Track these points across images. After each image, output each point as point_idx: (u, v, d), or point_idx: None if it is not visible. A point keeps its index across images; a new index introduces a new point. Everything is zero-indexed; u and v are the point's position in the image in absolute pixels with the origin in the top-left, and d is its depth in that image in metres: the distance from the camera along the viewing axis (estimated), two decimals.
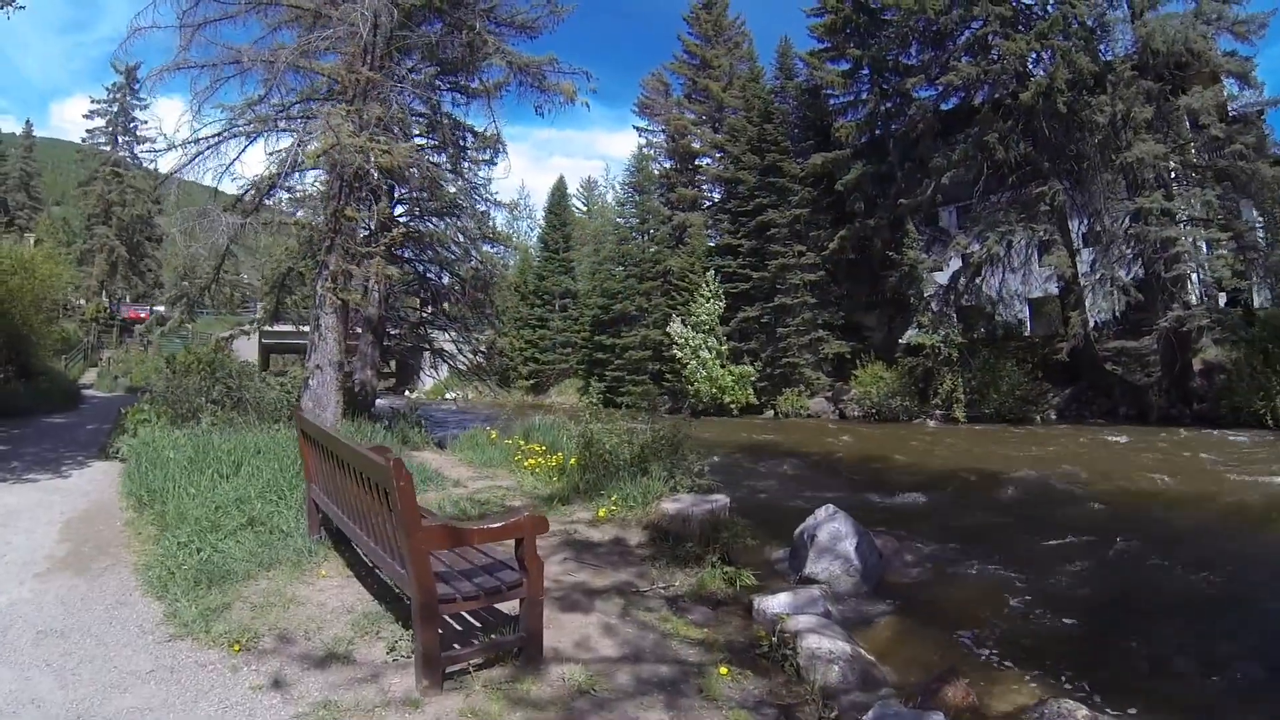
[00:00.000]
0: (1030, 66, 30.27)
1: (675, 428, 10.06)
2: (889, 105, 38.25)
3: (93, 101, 55.39)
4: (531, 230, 75.93)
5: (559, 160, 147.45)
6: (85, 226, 52.09)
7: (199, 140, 10.86)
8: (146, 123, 53.51)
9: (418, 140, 20.09)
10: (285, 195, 13.35)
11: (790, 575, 7.95)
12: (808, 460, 19.22)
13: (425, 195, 18.20)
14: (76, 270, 47.04)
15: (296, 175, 12.71)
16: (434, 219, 22.31)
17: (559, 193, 62.92)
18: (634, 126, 61.13)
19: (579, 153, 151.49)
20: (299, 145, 10.47)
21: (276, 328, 50.01)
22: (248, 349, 50.17)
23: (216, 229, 11.10)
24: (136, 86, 52.33)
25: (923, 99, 35.20)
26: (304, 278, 21.33)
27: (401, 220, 21.41)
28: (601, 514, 8.32)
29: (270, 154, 12.25)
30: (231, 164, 11.82)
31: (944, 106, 34.97)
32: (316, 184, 13.69)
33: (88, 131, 54.35)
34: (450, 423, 32.12)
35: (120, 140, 53.42)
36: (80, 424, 18.90)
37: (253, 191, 12.39)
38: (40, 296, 26.47)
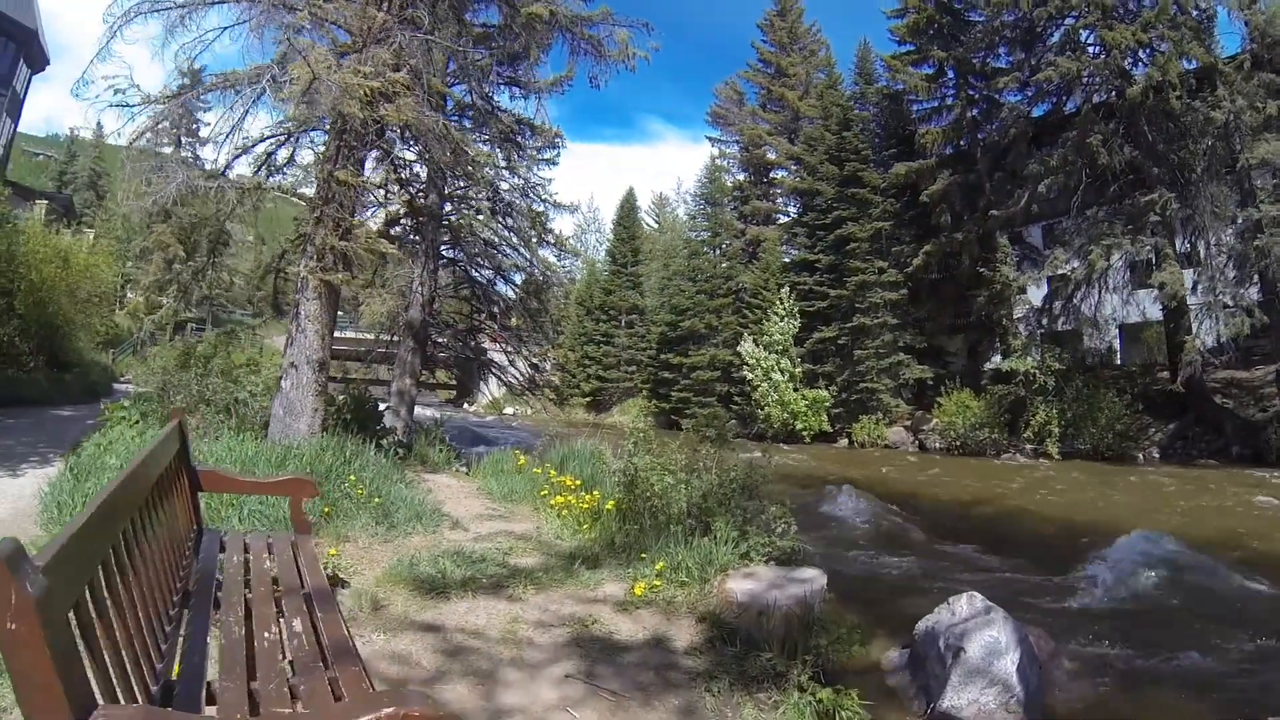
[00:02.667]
0: (1129, 66, 27.44)
1: (752, 467, 7.49)
2: (976, 112, 35.56)
3: (202, 134, 55.01)
4: (600, 244, 74.26)
5: (631, 179, 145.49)
6: (145, 225, 51.83)
7: (158, 99, 8.66)
8: (210, 124, 53.08)
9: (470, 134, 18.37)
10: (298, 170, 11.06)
11: (912, 700, 5.37)
12: (898, 502, 16.33)
13: (457, 179, 16.22)
14: (133, 266, 46.38)
15: (305, 140, 10.42)
16: (484, 216, 20.47)
17: (628, 205, 60.59)
18: (706, 137, 59.01)
19: (650, 169, 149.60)
20: (266, 84, 8.21)
21: (344, 334, 49.16)
22: None
23: (172, 181, 8.90)
24: (198, 88, 51.74)
25: (1012, 103, 32.70)
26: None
27: (450, 218, 19.50)
28: (639, 590, 5.86)
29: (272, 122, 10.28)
30: (229, 133, 9.68)
31: (1035, 113, 32.30)
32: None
33: (151, 133, 53.72)
34: (501, 440, 30.08)
35: (183, 142, 53.05)
36: (85, 418, 17.24)
37: (245, 158, 10.19)
38: (75, 286, 25.33)
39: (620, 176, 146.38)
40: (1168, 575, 9.38)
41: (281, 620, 3.46)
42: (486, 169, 18.06)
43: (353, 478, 8.04)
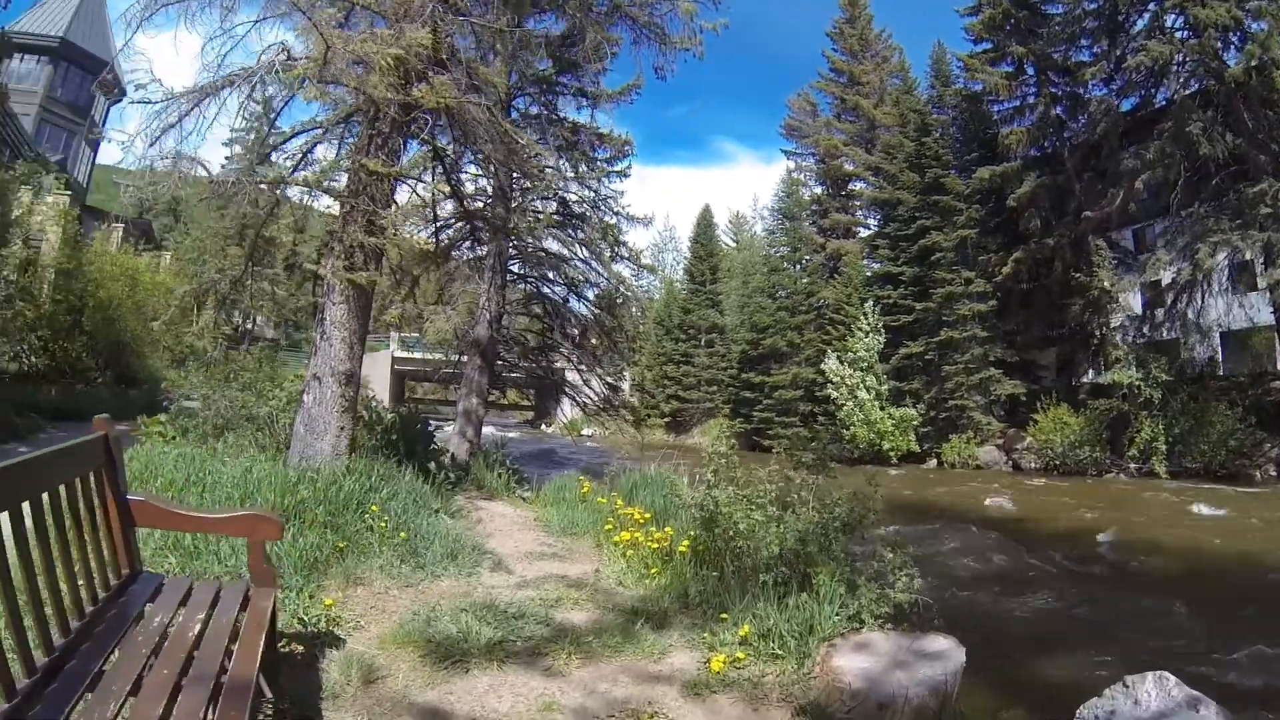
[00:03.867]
0: (1222, 49, 25.82)
1: (857, 498, 6.00)
2: (1060, 109, 34.47)
3: (231, 131, 55.66)
4: (677, 263, 73.17)
5: (705, 200, 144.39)
6: (220, 248, 52.45)
7: (181, 95, 7.58)
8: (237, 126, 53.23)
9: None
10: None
11: None
12: (1009, 531, 14.55)
13: (521, 188, 15.20)
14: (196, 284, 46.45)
15: (348, 138, 9.31)
16: (553, 229, 19.54)
17: (705, 222, 59.16)
18: (781, 150, 57.98)
19: (724, 190, 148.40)
20: (278, 62, 7.07)
21: (413, 354, 48.74)
22: (377, 375, 48.59)
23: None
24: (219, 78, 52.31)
25: (1101, 96, 31.14)
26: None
27: (518, 230, 18.55)
28: (716, 665, 4.45)
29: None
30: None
31: (1124, 107, 30.74)
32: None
33: (225, 159, 54.79)
34: (572, 462, 29.01)
35: (257, 169, 53.57)
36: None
37: (277, 157, 9.16)
38: (143, 304, 25.70)
39: (694, 198, 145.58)
40: None
41: None
42: (548, 168, 17.12)
43: (375, 508, 6.80)
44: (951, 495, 22.35)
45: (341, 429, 7.83)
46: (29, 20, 34.17)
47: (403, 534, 6.58)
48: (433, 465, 10.07)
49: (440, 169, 10.24)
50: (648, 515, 7.84)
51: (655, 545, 6.75)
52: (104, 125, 37.58)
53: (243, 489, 6.68)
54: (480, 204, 16.33)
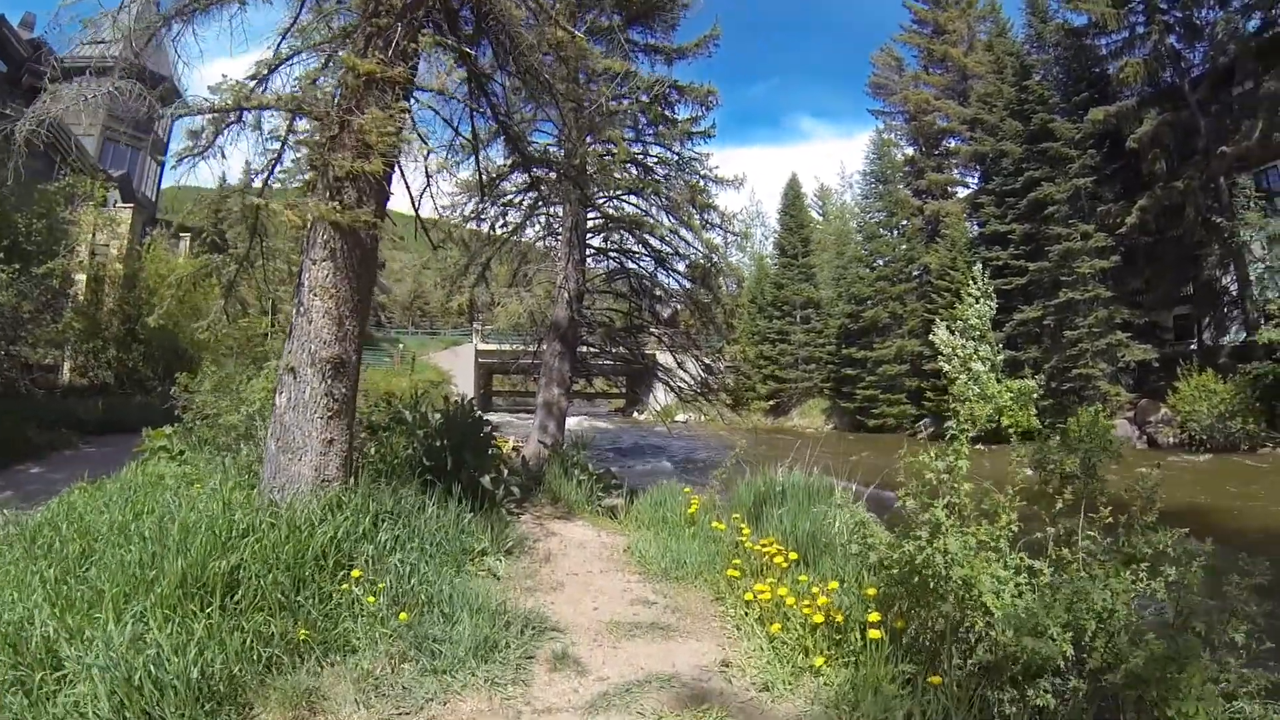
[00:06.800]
0: None
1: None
2: (1174, 38, 31.05)
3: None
4: (765, 239, 69.89)
5: (786, 177, 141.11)
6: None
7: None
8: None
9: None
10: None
11: None
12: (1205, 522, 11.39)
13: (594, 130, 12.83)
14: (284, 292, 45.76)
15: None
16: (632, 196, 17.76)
17: (792, 192, 56.18)
18: (869, 110, 53.94)
19: (804, 168, 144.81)
20: None
21: (501, 345, 46.49)
22: (461, 369, 46.77)
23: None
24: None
25: (1227, 15, 28.07)
26: None
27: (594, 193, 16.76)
28: None
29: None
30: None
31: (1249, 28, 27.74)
32: None
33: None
34: (670, 453, 26.69)
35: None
36: None
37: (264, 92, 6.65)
38: (200, 310, 24.74)
39: (775, 177, 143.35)
40: None
41: None
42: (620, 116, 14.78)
43: (357, 572, 4.31)
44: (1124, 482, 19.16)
45: (329, 443, 5.30)
46: (88, 37, 34.01)
47: (403, 614, 4.08)
48: (487, 479, 7.60)
49: (479, 93, 7.78)
50: (793, 555, 5.15)
51: (815, 612, 4.08)
52: (168, 140, 37.27)
53: (159, 543, 4.26)
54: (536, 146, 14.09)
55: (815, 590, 4.45)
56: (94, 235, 24.23)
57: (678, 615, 5.10)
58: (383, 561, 4.64)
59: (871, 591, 4.01)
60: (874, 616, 3.77)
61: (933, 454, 3.77)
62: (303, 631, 3.82)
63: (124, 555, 4.26)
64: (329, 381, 5.34)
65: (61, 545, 4.89)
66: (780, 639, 4.23)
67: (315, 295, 5.36)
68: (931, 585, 3.46)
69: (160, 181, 39.93)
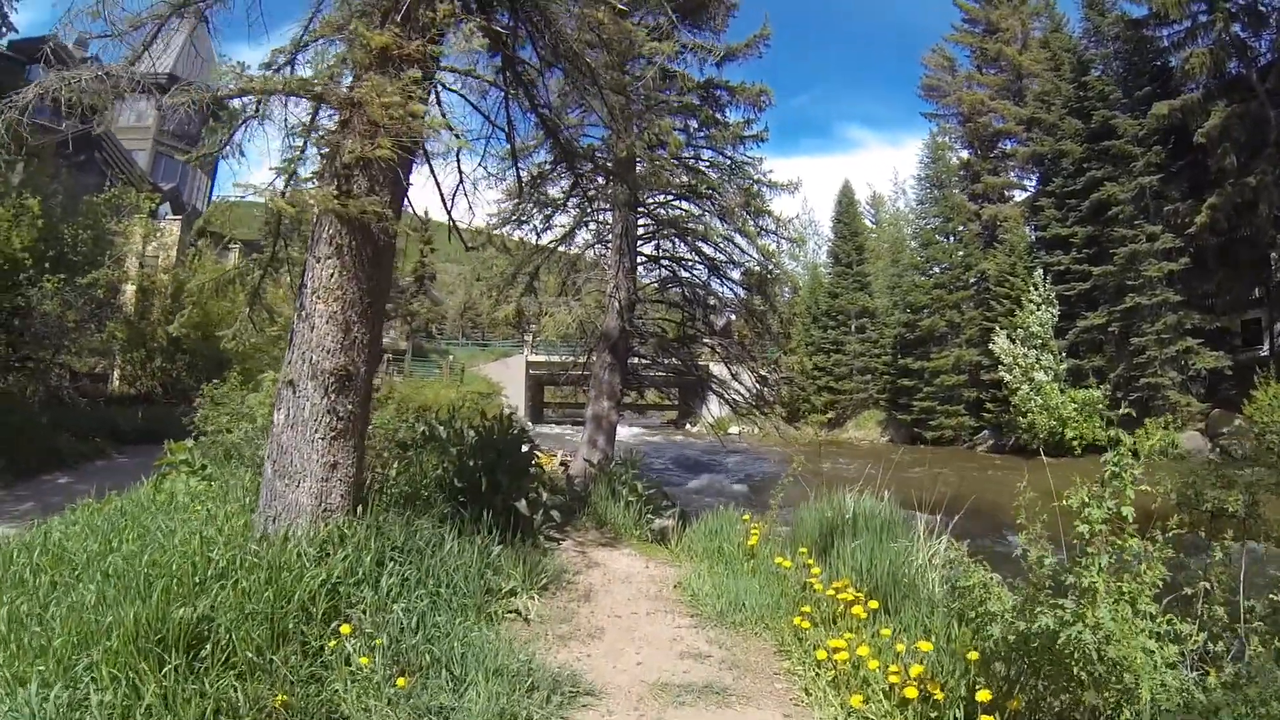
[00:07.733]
0: None
1: None
2: (1239, 27, 30.05)
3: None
4: (818, 249, 68.84)
5: (838, 186, 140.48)
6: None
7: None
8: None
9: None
10: None
11: None
12: None
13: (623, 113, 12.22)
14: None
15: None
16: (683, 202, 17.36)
17: (845, 199, 54.94)
18: (921, 114, 53.17)
19: (855, 176, 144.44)
20: None
21: (551, 357, 46.16)
22: (512, 380, 46.35)
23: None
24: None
25: None
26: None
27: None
28: None
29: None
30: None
31: None
32: None
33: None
34: (724, 469, 25.91)
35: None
36: None
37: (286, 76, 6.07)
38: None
39: (825, 187, 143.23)
40: None
41: None
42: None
43: (346, 627, 3.62)
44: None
45: (331, 467, 4.61)
46: (136, 56, 34.98)
47: (401, 679, 3.37)
48: (523, 503, 6.89)
49: (514, 80, 7.13)
50: (873, 604, 4.35)
51: (912, 689, 3.28)
52: (217, 156, 37.95)
53: (121, 584, 3.61)
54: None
55: (900, 647, 3.67)
56: (143, 246, 24.41)
57: (735, 673, 4.33)
58: (385, 610, 3.95)
59: (973, 656, 3.23)
60: (984, 694, 2.99)
61: (1085, 493, 2.97)
62: (280, 697, 3.15)
63: (84, 595, 3.65)
64: (332, 397, 4.66)
65: (33, 576, 4.30)
66: (861, 714, 3.45)
67: (318, 298, 4.71)
68: (1075, 670, 2.64)
69: (211, 194, 40.72)
